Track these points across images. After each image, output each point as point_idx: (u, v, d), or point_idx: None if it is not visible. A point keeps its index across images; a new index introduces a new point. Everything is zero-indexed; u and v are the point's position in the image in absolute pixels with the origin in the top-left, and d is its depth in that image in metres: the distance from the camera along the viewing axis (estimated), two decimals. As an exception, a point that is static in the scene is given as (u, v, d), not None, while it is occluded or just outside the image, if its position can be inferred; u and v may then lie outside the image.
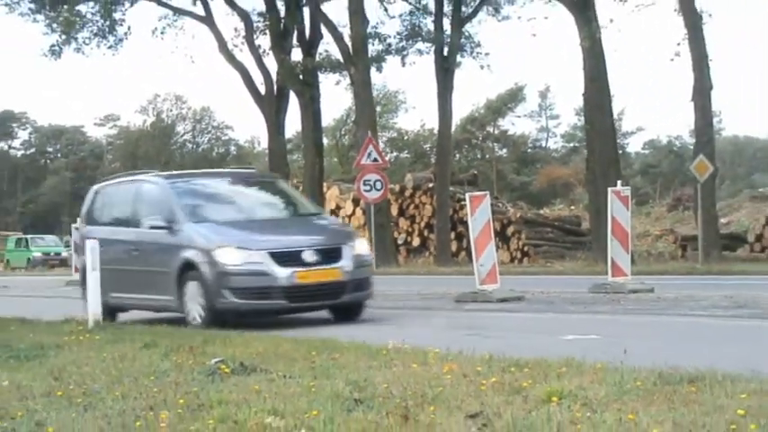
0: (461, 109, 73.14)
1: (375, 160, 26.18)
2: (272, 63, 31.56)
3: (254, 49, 31.79)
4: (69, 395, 6.26)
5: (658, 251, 27.56)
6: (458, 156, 66.49)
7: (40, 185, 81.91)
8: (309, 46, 31.20)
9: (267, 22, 31.66)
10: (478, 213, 13.21)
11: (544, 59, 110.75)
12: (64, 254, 44.95)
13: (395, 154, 69.93)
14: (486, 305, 12.76)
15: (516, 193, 61.38)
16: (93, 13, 32.34)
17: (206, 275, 11.23)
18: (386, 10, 32.70)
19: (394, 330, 9.89)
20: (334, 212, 32.54)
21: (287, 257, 11.24)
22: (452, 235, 30.40)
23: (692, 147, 29.68)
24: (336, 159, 65.48)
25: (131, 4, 32.86)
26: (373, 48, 30.25)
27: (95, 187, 14.50)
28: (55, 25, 31.88)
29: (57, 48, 32.22)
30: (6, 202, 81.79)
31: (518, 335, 9.51)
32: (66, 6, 31.26)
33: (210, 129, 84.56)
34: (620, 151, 45.87)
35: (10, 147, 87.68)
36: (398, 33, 31.88)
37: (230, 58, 32.02)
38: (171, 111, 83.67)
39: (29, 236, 51.75)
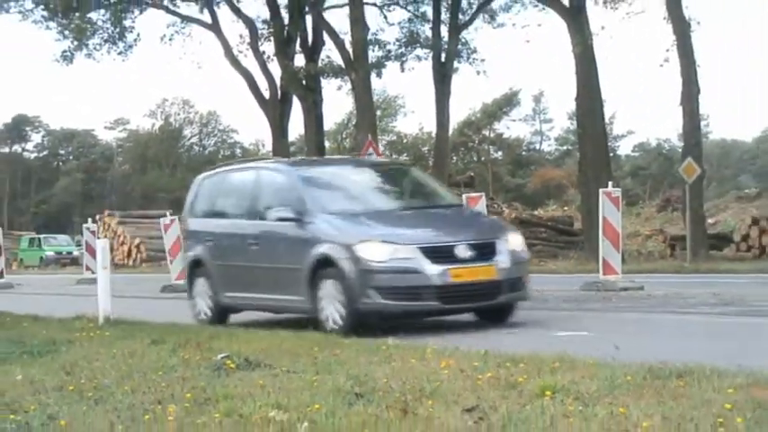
0: (458, 113, 73.16)
1: (375, 162, 26.12)
2: (275, 69, 31.57)
3: (259, 56, 31.78)
4: (80, 389, 6.26)
5: (648, 250, 27.49)
6: (455, 158, 66.43)
7: (52, 187, 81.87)
8: (312, 52, 31.19)
9: (271, 30, 31.63)
10: (475, 214, 13.09)
11: (538, 65, 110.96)
12: (75, 253, 44.91)
13: (394, 156, 69.94)
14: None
15: (511, 195, 61.37)
16: (103, 21, 32.39)
17: (347, 273, 9.53)
18: (385, 18, 32.82)
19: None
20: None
21: (439, 253, 9.55)
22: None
23: (680, 149, 29.66)
24: (338, 162, 65.35)
25: (141, 12, 32.92)
26: (373, 54, 30.28)
27: (200, 177, 12.69)
28: (67, 32, 31.89)
29: (68, 54, 32.25)
30: (20, 203, 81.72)
31: (513, 331, 9.50)
32: (77, 14, 31.27)
33: (216, 132, 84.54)
34: (612, 154, 45.96)
35: (24, 149, 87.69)
36: (398, 40, 31.99)
37: (236, 63, 32.00)
38: (179, 115, 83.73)
39: (42, 235, 51.65)
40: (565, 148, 75.35)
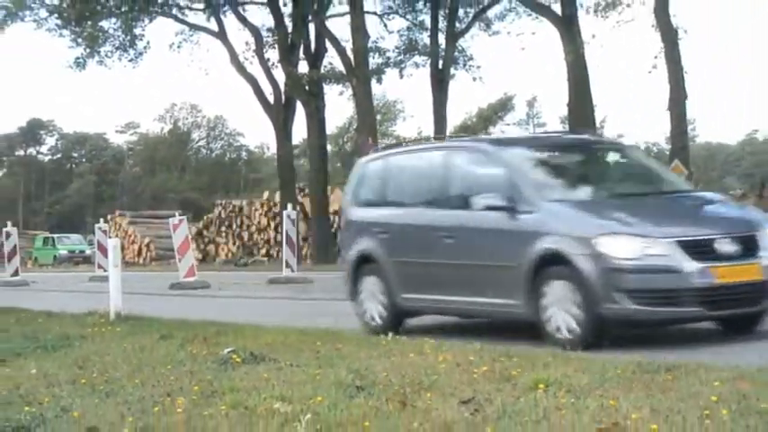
0: (455, 117, 73.17)
1: (375, 165, 26.10)
2: (280, 75, 31.59)
3: (264, 62, 31.78)
4: (92, 383, 6.26)
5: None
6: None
7: (65, 188, 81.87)
8: (315, 59, 31.20)
9: (276, 37, 31.63)
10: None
11: (531, 71, 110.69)
12: (88, 252, 44.96)
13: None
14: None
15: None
16: (114, 29, 32.45)
17: (585, 272, 7.69)
18: (385, 26, 32.88)
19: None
20: (338, 214, 32.46)
21: (699, 249, 7.67)
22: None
23: (668, 152, 29.68)
24: (340, 164, 65.43)
25: (150, 21, 32.96)
26: (373, 61, 30.33)
27: (364, 160, 10.74)
28: (79, 40, 31.97)
29: (81, 60, 32.33)
30: (34, 204, 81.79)
31: (508, 327, 9.48)
32: (89, 22, 31.30)
33: (223, 135, 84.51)
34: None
35: (38, 152, 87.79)
36: (397, 47, 32.08)
37: (242, 70, 32.02)
38: (187, 119, 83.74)
39: (55, 235, 51.69)
40: (557, 151, 75.26)
